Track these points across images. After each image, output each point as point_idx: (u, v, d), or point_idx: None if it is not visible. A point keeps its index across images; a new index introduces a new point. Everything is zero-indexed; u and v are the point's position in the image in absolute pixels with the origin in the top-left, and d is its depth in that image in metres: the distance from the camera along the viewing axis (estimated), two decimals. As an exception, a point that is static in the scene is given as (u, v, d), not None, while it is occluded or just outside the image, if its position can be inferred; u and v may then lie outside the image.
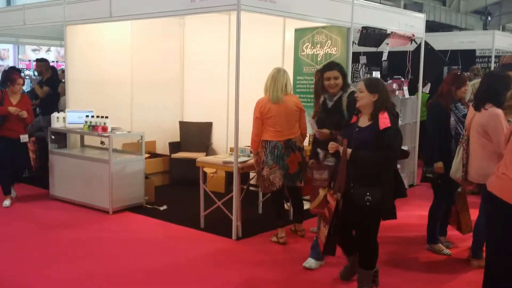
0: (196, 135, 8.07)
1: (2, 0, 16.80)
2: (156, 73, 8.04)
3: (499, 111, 4.25)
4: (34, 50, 15.56)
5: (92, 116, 6.67)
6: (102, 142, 6.96)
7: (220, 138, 8.00)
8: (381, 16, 7.12)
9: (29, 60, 15.42)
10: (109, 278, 4.41)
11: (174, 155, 7.86)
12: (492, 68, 10.27)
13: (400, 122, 7.59)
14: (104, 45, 7.46)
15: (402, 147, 7.62)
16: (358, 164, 3.65)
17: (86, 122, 6.63)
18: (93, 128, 6.55)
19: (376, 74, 7.23)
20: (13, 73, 6.89)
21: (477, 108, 4.40)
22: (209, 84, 7.92)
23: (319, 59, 6.78)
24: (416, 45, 7.96)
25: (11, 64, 14.02)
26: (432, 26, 18.74)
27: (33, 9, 7.58)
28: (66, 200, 6.75)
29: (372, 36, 6.77)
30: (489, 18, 21.74)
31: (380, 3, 11.67)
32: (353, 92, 4.45)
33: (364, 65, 7.26)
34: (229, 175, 6.54)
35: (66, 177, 6.72)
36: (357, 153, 3.67)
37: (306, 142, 5.61)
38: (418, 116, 8.14)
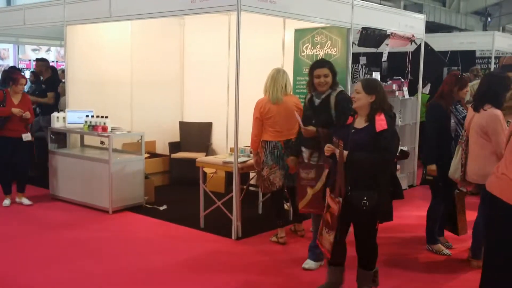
0: (196, 135, 8.07)
1: (2, 0, 16.81)
2: (156, 73, 8.04)
3: (498, 112, 4.25)
4: (34, 50, 15.56)
5: (92, 116, 6.67)
6: (102, 142, 6.96)
7: (220, 138, 8.01)
8: (381, 16, 7.12)
9: (29, 60, 15.43)
10: (109, 278, 4.42)
11: (174, 155, 7.87)
12: (492, 69, 10.27)
13: (399, 123, 7.64)
14: (104, 45, 7.46)
15: (402, 148, 7.67)
16: (354, 166, 3.59)
17: (86, 122, 6.64)
18: (93, 128, 6.55)
19: (376, 75, 7.24)
20: (15, 73, 6.86)
21: (476, 109, 4.40)
22: (209, 84, 7.93)
23: (319, 60, 6.78)
24: (416, 46, 7.96)
25: (11, 63, 14.02)
26: (432, 27, 18.75)
27: (33, 9, 7.59)
28: (66, 199, 6.75)
29: (372, 36, 6.77)
30: (489, 19, 21.77)
31: (380, 4, 11.67)
32: (342, 92, 4.44)
33: (364, 66, 7.26)
34: (229, 175, 6.55)
35: (66, 177, 6.72)
36: (353, 155, 3.60)
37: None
38: (418, 117, 8.15)
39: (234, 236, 5.37)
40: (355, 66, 7.02)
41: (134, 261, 4.77)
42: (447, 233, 5.27)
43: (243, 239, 5.38)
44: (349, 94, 4.85)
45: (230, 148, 7.00)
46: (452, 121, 4.90)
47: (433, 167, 4.86)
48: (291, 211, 5.85)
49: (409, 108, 7.96)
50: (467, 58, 11.07)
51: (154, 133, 7.99)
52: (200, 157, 6.33)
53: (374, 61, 7.81)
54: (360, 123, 3.73)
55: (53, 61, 14.79)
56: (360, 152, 3.59)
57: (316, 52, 6.81)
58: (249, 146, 5.45)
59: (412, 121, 8.08)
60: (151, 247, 5.18)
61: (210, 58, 7.88)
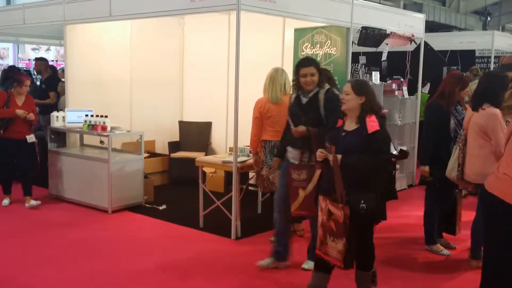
0: (195, 134, 8.07)
1: None
2: (156, 73, 8.04)
3: (497, 111, 4.25)
4: (33, 49, 15.56)
5: (92, 116, 6.67)
6: (101, 142, 6.96)
7: (220, 138, 8.01)
8: (381, 16, 7.12)
9: (29, 59, 15.43)
10: (108, 277, 4.41)
11: (173, 155, 7.87)
12: (492, 69, 10.27)
13: (399, 122, 7.64)
14: (104, 45, 7.46)
15: (401, 147, 7.68)
16: (349, 170, 3.52)
17: (85, 121, 6.63)
18: (92, 127, 6.55)
19: (376, 74, 7.24)
20: (20, 74, 6.80)
21: (475, 108, 4.40)
22: (209, 83, 7.92)
23: (318, 59, 6.78)
24: (415, 45, 7.96)
25: (10, 63, 14.01)
26: (431, 26, 18.75)
27: (33, 9, 7.59)
28: (65, 199, 6.75)
29: (371, 36, 6.77)
30: (489, 19, 21.75)
31: (379, 3, 11.66)
32: (330, 89, 4.35)
33: (363, 65, 7.26)
34: (228, 175, 6.55)
35: (65, 176, 6.72)
36: (348, 158, 3.51)
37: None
38: (418, 116, 8.15)
39: (233, 236, 5.37)
40: (355, 65, 7.02)
41: (133, 261, 4.77)
42: (446, 234, 5.27)
43: (242, 239, 5.38)
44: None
45: (230, 147, 6.99)
46: (452, 121, 4.89)
47: (426, 168, 4.86)
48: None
49: (409, 108, 7.96)
50: (466, 57, 11.07)
51: (154, 133, 7.99)
52: (199, 156, 6.33)
53: (373, 60, 7.81)
54: (350, 125, 3.65)
55: (52, 61, 14.80)
56: (353, 155, 3.51)
57: (315, 51, 6.81)
58: (248, 146, 5.45)
59: (411, 120, 8.08)
60: (150, 247, 5.18)
61: (209, 58, 7.87)
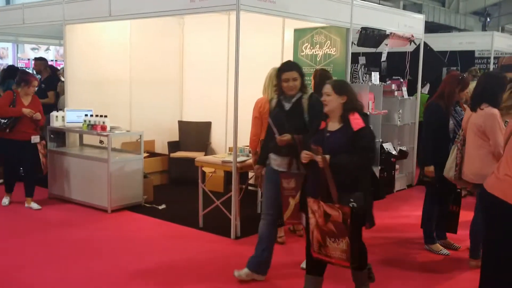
0: (195, 134, 8.08)
1: (1, -1, 16.82)
2: (156, 73, 8.04)
3: (495, 111, 4.25)
4: (33, 49, 15.57)
5: (91, 115, 6.67)
6: (101, 141, 6.96)
7: (219, 138, 8.01)
8: (380, 16, 7.13)
9: (28, 59, 15.43)
10: (108, 277, 4.42)
11: (173, 155, 7.87)
12: (491, 69, 10.28)
13: (398, 123, 7.65)
14: (104, 45, 7.46)
15: (401, 148, 7.70)
16: (337, 170, 3.47)
17: (85, 121, 6.63)
18: (92, 127, 6.55)
19: (375, 75, 7.25)
20: (28, 74, 6.73)
21: (473, 108, 4.41)
22: (208, 83, 7.93)
23: (318, 60, 6.80)
24: (415, 46, 7.97)
25: (10, 62, 14.01)
26: (431, 27, 18.76)
27: (33, 8, 7.58)
28: (65, 199, 6.75)
29: (371, 36, 6.78)
30: (488, 19, 21.76)
31: (379, 4, 11.67)
32: (313, 94, 4.26)
33: (363, 66, 7.27)
34: (228, 175, 6.55)
35: (64, 176, 6.72)
36: (336, 158, 3.46)
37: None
38: (417, 117, 8.16)
39: (233, 235, 5.38)
40: (354, 66, 7.03)
41: (133, 260, 4.77)
42: (449, 235, 5.28)
43: (242, 238, 5.39)
44: None
45: (229, 147, 6.99)
46: (451, 122, 4.90)
47: (431, 168, 4.86)
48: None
49: (408, 108, 7.97)
50: (466, 58, 11.08)
51: (153, 133, 7.99)
52: (199, 156, 6.33)
53: (373, 61, 7.82)
54: (333, 126, 3.62)
55: (52, 60, 14.80)
56: (341, 154, 3.48)
57: (315, 51, 6.82)
58: (248, 146, 5.45)
59: (411, 121, 8.09)
60: (150, 247, 5.18)
61: (209, 58, 7.88)
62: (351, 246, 3.42)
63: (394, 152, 7.51)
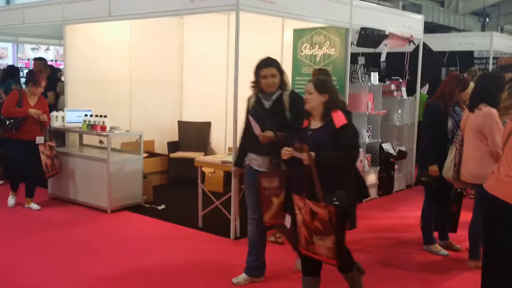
0: (194, 134, 8.08)
1: (1, -1, 16.81)
2: (155, 73, 8.04)
3: (494, 111, 4.25)
4: (33, 49, 15.56)
5: (91, 115, 6.67)
6: (100, 141, 6.97)
7: (219, 138, 8.01)
8: (380, 17, 7.14)
9: (28, 59, 15.42)
10: (107, 277, 4.42)
11: (172, 155, 7.87)
12: (490, 70, 10.29)
13: (397, 123, 7.66)
14: (103, 45, 7.47)
15: (400, 148, 7.70)
16: (323, 167, 3.44)
17: (84, 121, 6.64)
18: (91, 127, 6.55)
19: (374, 75, 7.25)
20: (37, 74, 6.69)
21: (471, 109, 4.42)
22: (208, 84, 7.93)
23: (317, 60, 6.80)
24: (414, 46, 7.98)
25: (10, 62, 14.01)
26: (430, 27, 18.76)
27: (33, 8, 7.59)
28: (65, 199, 6.76)
29: (370, 37, 6.79)
30: (487, 20, 21.79)
31: (378, 4, 11.68)
32: (294, 91, 4.20)
33: (362, 66, 7.27)
34: (227, 175, 6.55)
35: (64, 176, 6.72)
36: (321, 156, 3.42)
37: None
38: (416, 117, 8.17)
39: (232, 235, 5.38)
40: (354, 66, 7.03)
41: (132, 261, 4.77)
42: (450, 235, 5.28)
43: (241, 239, 5.39)
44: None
45: (229, 147, 6.99)
46: (450, 122, 4.91)
47: (434, 167, 4.86)
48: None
49: (407, 109, 7.98)
50: (465, 58, 11.08)
51: (153, 133, 7.99)
52: (198, 156, 6.34)
53: (372, 61, 7.82)
54: (316, 124, 3.62)
55: (52, 60, 14.80)
56: (325, 152, 3.46)
57: (314, 52, 6.82)
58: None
59: (410, 121, 8.09)
60: (149, 247, 5.19)
61: (209, 58, 7.88)
62: (336, 244, 3.41)
63: (393, 153, 7.52)
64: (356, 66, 7.07)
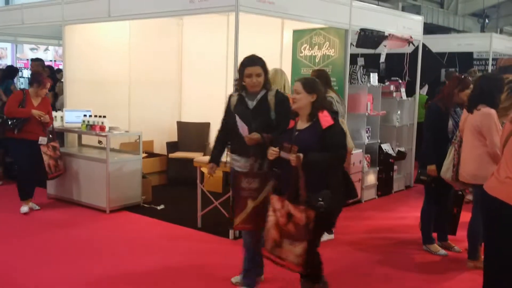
0: (193, 135, 8.08)
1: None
2: (154, 73, 8.04)
3: (492, 111, 4.26)
4: (32, 49, 15.55)
5: (90, 116, 6.67)
6: (99, 142, 6.96)
7: (218, 139, 7.99)
8: (379, 18, 7.14)
9: (27, 59, 15.41)
10: (106, 277, 4.42)
11: (171, 155, 7.87)
12: (490, 71, 10.30)
13: (397, 124, 7.66)
14: (103, 45, 7.47)
15: (399, 149, 7.70)
16: (310, 168, 3.39)
17: (84, 121, 6.64)
18: (90, 127, 6.55)
19: (374, 76, 7.26)
20: (42, 75, 6.65)
21: (470, 109, 4.42)
22: (207, 84, 7.93)
23: (317, 61, 6.81)
24: (413, 47, 7.98)
25: (9, 63, 14.00)
26: (429, 28, 18.77)
27: (32, 9, 7.60)
28: (64, 199, 6.75)
29: (370, 38, 6.79)
30: (487, 21, 21.80)
31: (378, 5, 11.69)
32: (279, 91, 4.11)
33: (361, 67, 7.28)
34: (226, 175, 6.55)
35: (63, 176, 6.71)
36: (309, 156, 3.38)
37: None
38: (415, 118, 8.17)
39: (231, 236, 5.38)
40: (353, 67, 7.03)
41: (131, 261, 4.77)
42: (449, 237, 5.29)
43: (240, 239, 5.37)
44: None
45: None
46: (450, 123, 4.91)
47: (432, 167, 4.87)
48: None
49: (407, 109, 7.98)
50: (464, 59, 11.09)
51: (152, 133, 7.99)
52: (197, 157, 6.34)
53: (372, 62, 7.82)
54: (302, 124, 3.60)
55: (51, 61, 14.80)
56: (313, 152, 3.42)
57: (314, 53, 6.83)
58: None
59: (409, 122, 8.09)
60: (148, 247, 5.18)
61: (208, 59, 7.88)
62: (307, 252, 3.33)
63: (392, 153, 7.52)
64: (356, 67, 7.07)
